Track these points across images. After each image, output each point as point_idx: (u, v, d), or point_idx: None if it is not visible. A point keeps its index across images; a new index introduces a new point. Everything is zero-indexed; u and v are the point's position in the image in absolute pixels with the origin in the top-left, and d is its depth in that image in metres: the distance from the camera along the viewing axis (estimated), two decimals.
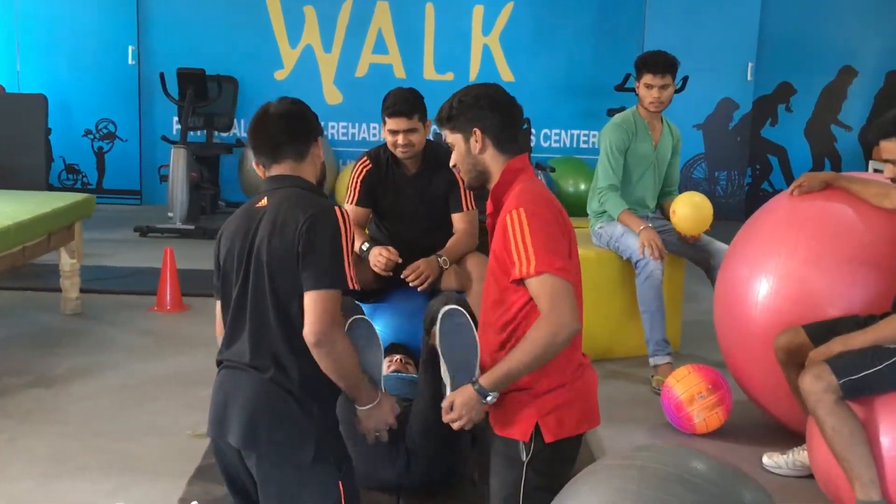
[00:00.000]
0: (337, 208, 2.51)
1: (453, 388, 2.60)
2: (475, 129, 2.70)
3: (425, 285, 3.78)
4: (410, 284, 3.78)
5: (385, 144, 3.95)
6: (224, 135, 9.28)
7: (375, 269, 3.80)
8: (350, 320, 2.61)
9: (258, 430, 2.42)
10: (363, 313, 3.06)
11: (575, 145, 9.79)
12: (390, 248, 3.82)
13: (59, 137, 9.34)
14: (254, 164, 2.71)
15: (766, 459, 3.51)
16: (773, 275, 3.54)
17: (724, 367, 4.00)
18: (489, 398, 2.55)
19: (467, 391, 2.56)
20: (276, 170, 2.63)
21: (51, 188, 9.31)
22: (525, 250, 2.52)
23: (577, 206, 6.02)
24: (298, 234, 2.45)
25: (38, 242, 4.87)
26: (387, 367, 3.67)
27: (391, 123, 3.81)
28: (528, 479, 2.62)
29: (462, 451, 3.13)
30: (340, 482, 2.48)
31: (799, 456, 3.43)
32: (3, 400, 4.00)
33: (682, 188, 9.35)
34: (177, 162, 7.87)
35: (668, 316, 4.62)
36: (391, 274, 3.81)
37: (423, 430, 3.04)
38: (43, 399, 4.02)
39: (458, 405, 2.57)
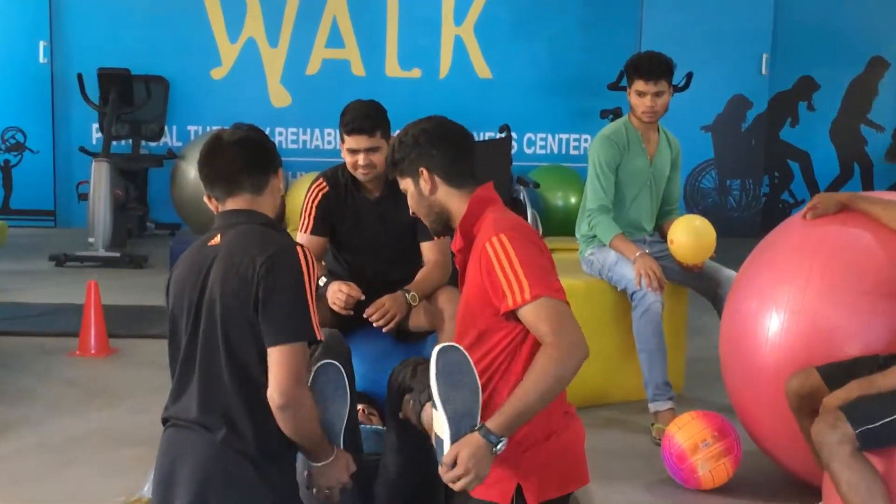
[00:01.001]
0: (299, 248, 2.68)
1: (455, 439, 2.64)
2: (421, 168, 2.90)
3: (391, 325, 3.91)
4: (374, 325, 3.91)
5: (343, 164, 4.11)
6: (153, 144, 9.42)
7: (334, 308, 3.94)
8: (317, 366, 2.76)
9: (209, 497, 2.57)
10: (343, 349, 3.23)
11: (563, 152, 9.98)
12: (350, 283, 3.96)
13: None
14: (205, 198, 2.85)
15: None
16: (784, 309, 3.73)
17: (733, 413, 4.18)
18: (500, 445, 2.65)
19: (474, 440, 2.62)
20: (231, 204, 2.78)
21: None
22: (515, 277, 2.70)
23: (567, 224, 6.18)
24: (256, 277, 2.60)
25: None
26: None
27: (350, 142, 3.98)
28: None
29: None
30: None
31: None
32: None
33: (690, 200, 9.58)
34: (98, 177, 7.99)
35: (670, 354, 4.79)
36: (352, 313, 3.95)
37: (393, 491, 3.18)
38: None
39: (465, 458, 2.60)
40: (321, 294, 3.98)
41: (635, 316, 4.66)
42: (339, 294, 3.92)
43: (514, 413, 2.65)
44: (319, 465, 2.71)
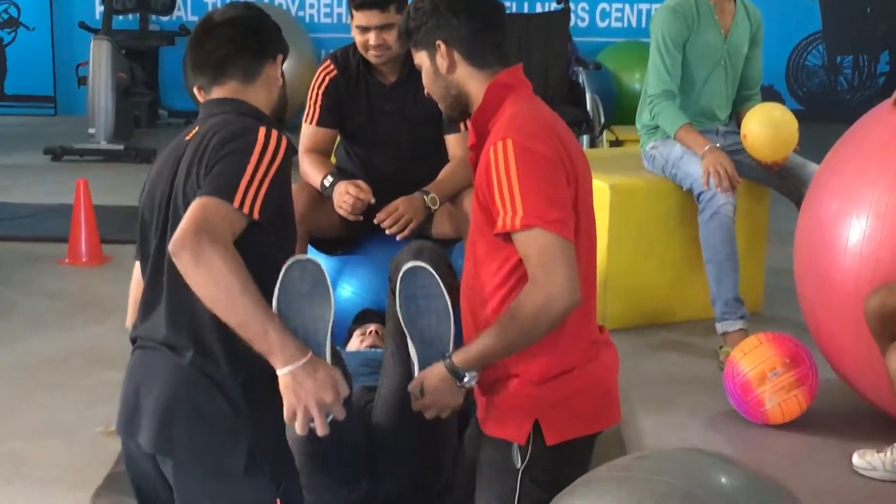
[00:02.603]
0: (264, 127, 2.56)
1: (422, 367, 2.74)
2: (438, 41, 2.79)
3: (406, 233, 3.84)
4: (387, 232, 3.86)
5: (355, 45, 4.03)
6: (164, 19, 9.33)
7: (341, 212, 3.89)
8: (290, 262, 2.56)
9: (174, 430, 2.53)
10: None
11: (643, 25, 9.76)
12: (360, 183, 3.90)
13: None
14: (194, 89, 2.77)
15: (856, 459, 3.63)
16: (867, 213, 3.64)
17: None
18: (466, 379, 2.67)
19: (437, 371, 2.70)
20: (217, 93, 2.71)
21: None
22: (510, 196, 2.61)
23: None
24: (206, 159, 2.53)
25: None
26: (359, 341, 3.80)
27: (360, 18, 3.89)
28: (526, 492, 2.74)
29: (446, 454, 3.27)
30: (279, 500, 2.59)
31: None
32: None
33: (793, 80, 9.36)
34: (98, 58, 7.92)
35: (748, 265, 4.74)
36: (361, 218, 3.89)
37: (393, 428, 3.17)
38: None
39: (430, 388, 2.71)
40: (327, 195, 3.94)
41: (702, 220, 4.59)
42: (345, 196, 3.85)
43: (480, 351, 2.67)
44: (285, 370, 2.39)
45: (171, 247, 2.37)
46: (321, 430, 2.44)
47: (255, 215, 2.46)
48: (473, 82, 2.80)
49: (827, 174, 3.91)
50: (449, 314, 2.74)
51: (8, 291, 5.27)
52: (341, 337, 3.93)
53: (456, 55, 2.79)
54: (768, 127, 4.62)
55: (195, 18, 9.44)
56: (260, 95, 2.72)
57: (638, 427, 3.91)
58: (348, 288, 4.12)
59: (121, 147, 7.96)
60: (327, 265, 4.11)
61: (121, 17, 8.75)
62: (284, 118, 2.88)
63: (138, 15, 9.13)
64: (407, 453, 3.20)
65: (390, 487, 3.23)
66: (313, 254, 4.10)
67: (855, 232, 3.65)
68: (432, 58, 2.81)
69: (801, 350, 3.92)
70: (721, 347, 4.53)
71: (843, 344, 3.83)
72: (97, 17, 9.29)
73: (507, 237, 2.66)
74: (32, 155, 8.03)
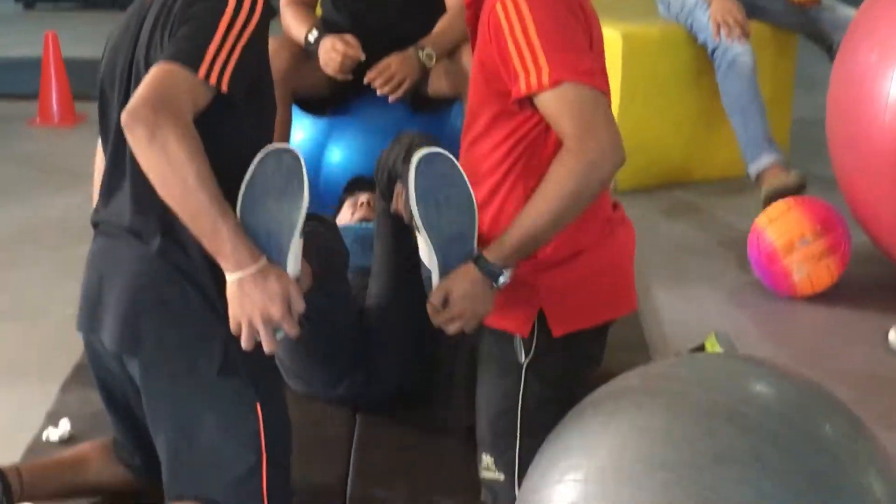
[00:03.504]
0: None
1: (444, 272, 2.39)
2: None
3: (399, 93, 3.62)
4: (379, 92, 3.63)
5: None
6: None
7: (328, 71, 3.64)
8: (265, 150, 2.30)
9: (141, 327, 2.33)
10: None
11: None
12: (348, 38, 3.64)
13: None
14: None
15: (893, 335, 3.42)
16: None
17: None
18: (503, 279, 2.38)
19: (468, 274, 2.36)
20: None
21: None
22: (531, 53, 2.32)
23: None
24: (172, 20, 2.29)
25: None
26: (349, 214, 3.57)
27: None
28: (530, 390, 2.52)
29: (446, 346, 3.05)
30: (258, 404, 2.38)
31: None
32: None
33: None
34: None
35: (773, 116, 4.49)
36: (350, 77, 3.65)
37: (387, 321, 2.95)
38: None
39: (457, 297, 2.36)
40: (312, 52, 3.67)
41: (720, 75, 4.36)
42: (332, 53, 3.59)
43: (520, 239, 2.35)
44: (234, 276, 2.18)
45: (123, 117, 2.13)
46: (268, 347, 2.23)
47: (224, 87, 2.21)
48: None
49: (865, 22, 3.63)
50: (473, 207, 2.39)
51: None
52: (331, 205, 3.69)
53: None
54: None
55: None
56: None
57: (654, 303, 3.68)
58: (337, 152, 3.86)
59: None
60: (314, 128, 3.88)
61: None
62: None
63: None
64: (403, 347, 2.99)
65: (387, 382, 3.02)
66: (298, 115, 3.87)
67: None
68: None
69: (832, 215, 3.67)
70: (761, 186, 4.22)
71: (880, 208, 3.60)
72: None
73: (523, 104, 2.38)
74: (2, 2, 7.68)
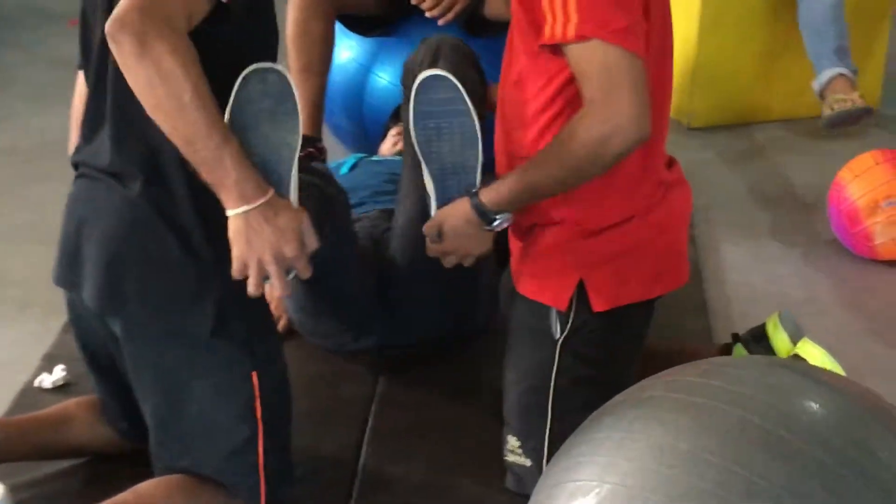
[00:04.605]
0: None
1: (442, 203, 2.33)
2: None
3: (450, 15, 3.36)
4: (428, 14, 3.38)
5: None
6: None
7: None
8: (247, 70, 2.06)
9: (123, 283, 2.15)
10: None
11: None
12: None
13: None
14: None
15: None
16: None
17: None
18: (497, 222, 2.27)
19: (461, 209, 2.28)
20: None
21: None
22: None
23: None
24: None
25: None
26: (391, 143, 3.39)
27: None
28: (564, 367, 2.34)
29: (476, 299, 2.85)
30: (255, 373, 2.20)
31: None
32: None
33: None
34: None
35: (862, 54, 4.27)
36: None
37: (410, 268, 2.76)
38: None
39: (448, 231, 2.31)
40: None
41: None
42: None
43: (518, 189, 2.21)
44: (236, 212, 1.97)
45: (108, 26, 1.88)
46: (280, 291, 2.04)
47: None
48: None
49: None
50: (476, 137, 2.28)
51: (13, 56, 4.87)
52: (377, 135, 3.52)
53: None
54: None
55: None
56: None
57: (720, 258, 3.45)
58: (384, 76, 3.64)
59: None
60: (359, 48, 3.66)
61: None
62: None
63: None
64: (428, 290, 2.79)
65: (407, 336, 2.84)
66: (342, 34, 3.62)
67: None
68: None
69: None
70: (824, 99, 4.06)
71: None
72: None
73: (555, 49, 2.16)
74: None
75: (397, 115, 3.46)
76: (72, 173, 2.31)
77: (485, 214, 2.25)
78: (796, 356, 2.51)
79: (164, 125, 1.93)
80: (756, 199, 3.85)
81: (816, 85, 4.09)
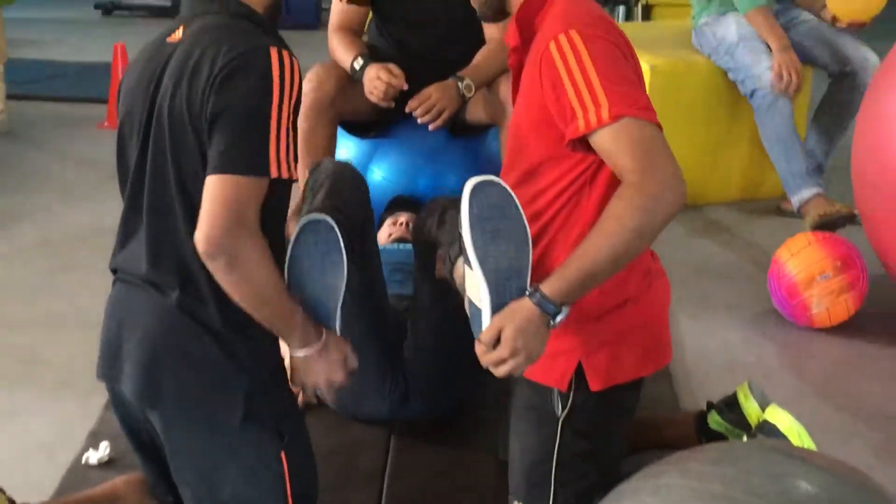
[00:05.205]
0: (275, 51, 1.93)
1: (497, 309, 1.95)
2: None
3: (439, 122, 3.23)
4: (419, 121, 3.24)
5: None
6: None
7: (372, 99, 3.25)
8: (302, 222, 2.07)
9: (161, 379, 1.99)
10: (357, 188, 2.53)
11: None
12: (392, 67, 3.24)
13: None
14: None
15: None
16: None
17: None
18: (560, 317, 1.95)
19: (524, 310, 1.93)
20: None
21: None
22: (589, 90, 1.94)
23: None
24: (210, 87, 1.91)
25: None
26: (387, 234, 3.20)
27: None
28: (565, 443, 2.16)
29: (473, 378, 2.68)
30: (283, 452, 2.05)
31: None
32: None
33: None
34: None
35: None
36: (393, 105, 3.25)
37: (422, 358, 2.59)
38: None
39: (511, 334, 1.92)
40: (357, 78, 3.28)
41: (759, 113, 3.94)
42: (376, 82, 3.20)
43: (578, 275, 1.92)
44: (301, 353, 2.03)
45: (203, 247, 1.86)
46: (328, 400, 2.37)
47: (294, 175, 1.94)
48: None
49: (893, 68, 3.17)
50: (528, 240, 1.96)
51: (43, 158, 4.63)
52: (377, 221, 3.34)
53: None
54: None
55: None
56: None
57: (680, 329, 3.28)
58: (379, 172, 3.48)
59: (167, 3, 7.19)
60: (358, 149, 3.51)
61: None
62: (279, 16, 2.17)
63: None
64: (435, 384, 2.66)
65: (418, 408, 2.68)
66: (343, 137, 3.49)
67: None
68: None
69: (852, 252, 3.27)
70: (804, 216, 3.85)
71: None
72: None
73: (576, 145, 2.01)
74: (84, 9, 7.30)
75: (391, 207, 3.31)
76: (99, 264, 2.22)
77: (550, 309, 1.93)
78: (766, 421, 2.38)
79: (247, 308, 1.93)
80: (702, 273, 3.70)
81: (796, 202, 3.90)
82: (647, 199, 1.89)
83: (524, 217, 1.98)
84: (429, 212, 2.46)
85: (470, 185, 1.96)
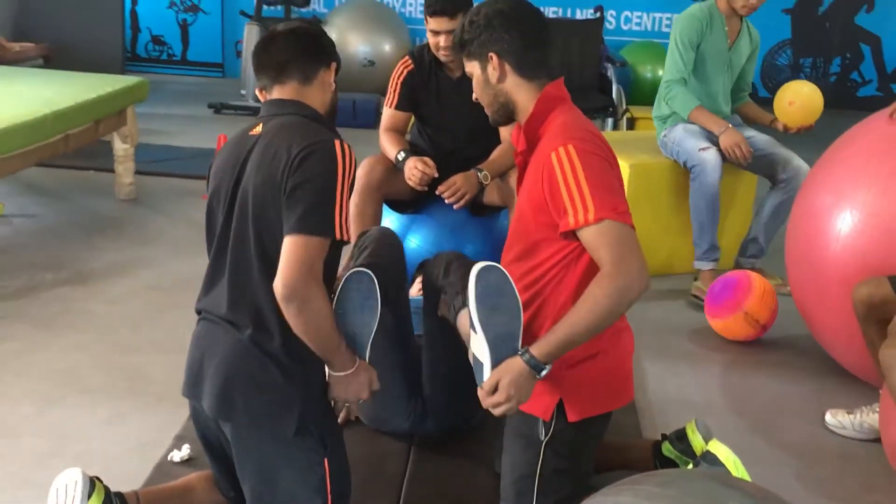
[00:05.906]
0: (338, 142, 1.96)
1: (495, 364, 1.98)
2: (490, 54, 2.08)
3: (462, 202, 3.23)
4: (446, 201, 3.23)
5: (428, 44, 3.33)
6: (302, 10, 8.60)
7: (410, 183, 3.25)
8: (349, 272, 2.07)
9: (234, 397, 1.98)
10: (394, 248, 2.50)
11: (657, 29, 8.83)
12: (427, 160, 3.25)
13: (145, 9, 8.91)
14: (256, 90, 2.20)
15: (829, 417, 2.91)
16: (859, 210, 2.86)
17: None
18: (543, 372, 1.97)
19: (516, 366, 1.95)
20: (278, 93, 2.11)
21: (137, 59, 8.90)
22: (580, 194, 1.93)
23: (654, 94, 5.16)
24: (289, 168, 1.94)
25: (83, 130, 4.40)
26: (417, 289, 3.14)
27: (432, 23, 3.21)
28: (546, 461, 2.11)
29: (476, 403, 2.61)
30: (326, 459, 2.02)
31: (868, 418, 2.82)
32: (30, 299, 3.60)
33: (766, 76, 8.50)
34: (249, 38, 7.33)
35: (730, 228, 4.10)
36: (426, 189, 3.26)
37: (435, 384, 2.54)
38: (71, 300, 3.62)
39: (506, 384, 1.95)
40: (399, 168, 3.28)
41: (693, 187, 3.87)
42: (414, 171, 3.22)
43: (560, 341, 1.94)
44: (339, 374, 2.03)
45: (281, 292, 1.87)
46: (355, 414, 2.44)
47: (349, 238, 1.95)
48: (521, 91, 2.10)
49: (825, 169, 3.13)
50: (520, 312, 1.98)
51: (160, 220, 4.64)
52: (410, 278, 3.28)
53: (507, 67, 2.08)
54: (814, 95, 3.88)
55: (326, 10, 8.69)
56: (316, 97, 2.08)
57: (643, 372, 3.21)
58: (414, 240, 3.46)
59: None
60: (398, 222, 3.50)
61: (270, 7, 8.00)
62: (335, 118, 2.19)
63: (284, 6, 8.37)
64: (445, 404, 2.59)
65: (434, 425, 2.62)
66: (387, 213, 3.49)
67: (846, 224, 2.90)
68: (483, 68, 2.11)
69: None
70: (695, 280, 3.91)
71: (828, 322, 3.09)
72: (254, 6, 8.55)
73: (567, 235, 1.99)
74: (200, 108, 7.37)
75: (421, 268, 3.27)
76: (194, 301, 2.18)
77: (537, 367, 1.95)
78: (709, 452, 2.30)
79: (308, 339, 1.95)
80: (664, 328, 3.63)
81: (696, 265, 3.91)
82: (617, 288, 1.88)
83: (517, 294, 1.97)
84: (435, 263, 2.43)
85: (476, 269, 1.97)
